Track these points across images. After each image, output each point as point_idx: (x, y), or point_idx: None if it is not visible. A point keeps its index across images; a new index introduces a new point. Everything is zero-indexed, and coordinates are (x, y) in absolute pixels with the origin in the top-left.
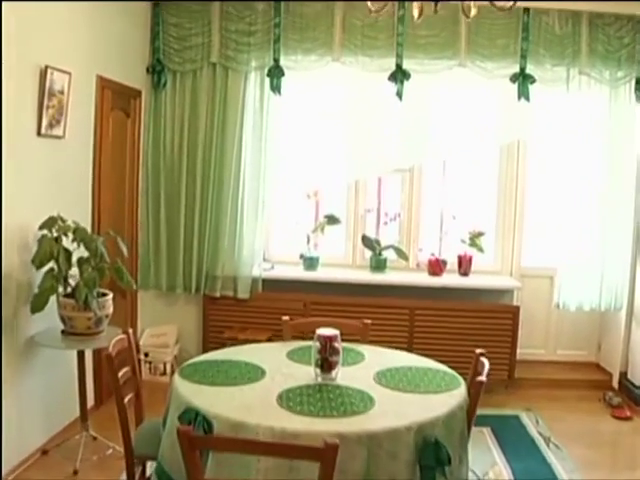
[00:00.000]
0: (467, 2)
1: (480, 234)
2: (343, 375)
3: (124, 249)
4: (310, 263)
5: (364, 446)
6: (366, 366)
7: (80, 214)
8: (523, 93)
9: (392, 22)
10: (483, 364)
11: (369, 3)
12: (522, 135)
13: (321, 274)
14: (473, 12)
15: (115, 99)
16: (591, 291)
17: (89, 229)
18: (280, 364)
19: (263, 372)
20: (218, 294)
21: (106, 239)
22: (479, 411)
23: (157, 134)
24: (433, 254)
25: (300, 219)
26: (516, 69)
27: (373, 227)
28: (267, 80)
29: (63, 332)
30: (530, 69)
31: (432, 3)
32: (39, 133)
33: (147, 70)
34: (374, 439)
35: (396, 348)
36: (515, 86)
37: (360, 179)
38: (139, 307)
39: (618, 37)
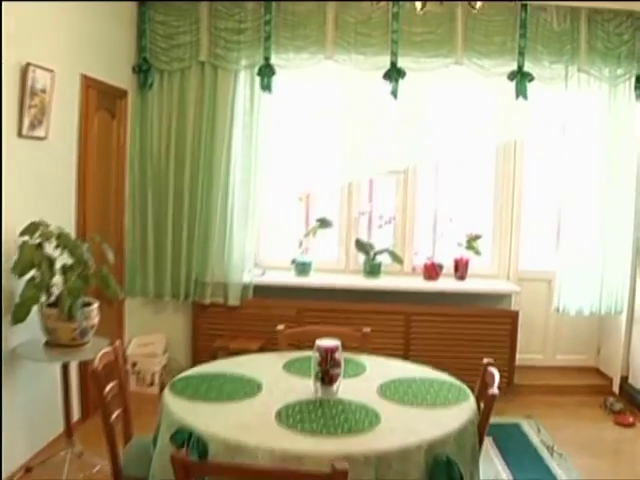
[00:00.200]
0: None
1: (477, 237)
2: (344, 388)
3: (110, 256)
4: (302, 268)
5: (372, 467)
6: (368, 378)
7: (64, 219)
8: (521, 91)
9: (386, 19)
10: (493, 375)
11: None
12: (520, 134)
13: (313, 280)
14: (479, 4)
15: (100, 99)
16: (591, 294)
17: (73, 234)
18: (277, 377)
19: (259, 386)
20: (208, 301)
21: (91, 245)
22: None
23: (144, 135)
24: (429, 258)
25: (292, 223)
26: (514, 67)
27: (367, 230)
28: (257, 79)
29: (47, 344)
30: (528, 67)
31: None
32: (20, 134)
33: (133, 69)
34: (383, 459)
35: (392, 355)
36: (512, 84)
37: (353, 181)
38: (126, 315)
39: (617, 34)
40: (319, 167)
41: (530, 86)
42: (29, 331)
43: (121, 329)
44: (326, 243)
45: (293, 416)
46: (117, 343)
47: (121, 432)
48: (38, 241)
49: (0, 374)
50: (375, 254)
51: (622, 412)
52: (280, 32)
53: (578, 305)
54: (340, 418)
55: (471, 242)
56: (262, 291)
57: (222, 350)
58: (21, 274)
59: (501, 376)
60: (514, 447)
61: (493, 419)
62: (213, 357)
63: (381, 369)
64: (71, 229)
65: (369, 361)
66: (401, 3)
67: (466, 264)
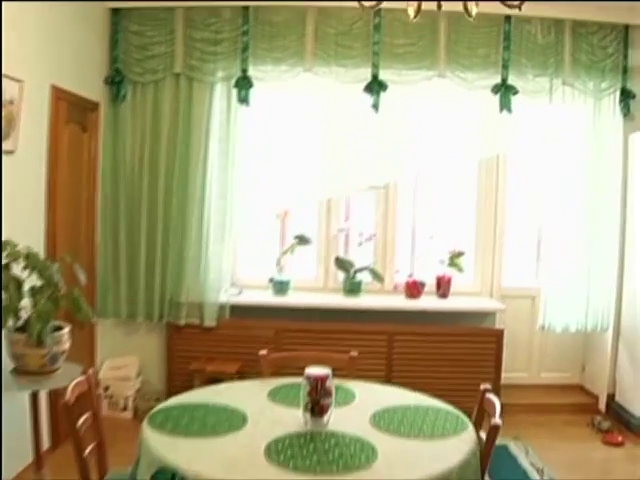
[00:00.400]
0: (470, 1)
1: (460, 253)
2: (335, 418)
3: (82, 277)
4: (280, 287)
5: None
6: (359, 406)
7: (33, 237)
8: (505, 105)
9: (368, 30)
10: (493, 403)
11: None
12: (504, 149)
13: (292, 299)
14: (475, 11)
15: (71, 111)
16: (577, 312)
17: (43, 254)
18: (262, 407)
19: (245, 418)
20: (183, 322)
21: (62, 265)
22: None
23: (116, 150)
24: (410, 275)
25: (269, 240)
26: (497, 80)
27: (348, 247)
28: (234, 92)
29: (14, 370)
30: (512, 80)
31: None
32: None
33: (105, 81)
34: None
35: (374, 377)
36: (496, 98)
37: (333, 197)
38: (97, 337)
39: (602, 47)
40: (297, 183)
41: (514, 99)
42: None
43: (92, 352)
44: (304, 261)
45: (283, 451)
46: (90, 371)
47: (95, 465)
48: (5, 261)
49: None
50: (355, 272)
51: (610, 431)
52: (258, 43)
53: (564, 323)
54: (334, 453)
55: (454, 259)
56: (239, 311)
57: (198, 373)
58: None
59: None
60: (504, 470)
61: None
62: (189, 380)
63: (371, 396)
64: (40, 248)
65: (358, 387)
66: (383, 14)
67: (448, 282)
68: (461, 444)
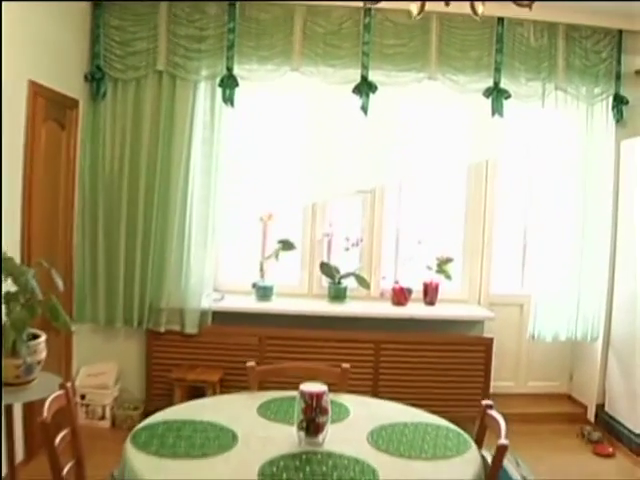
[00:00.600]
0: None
1: (449, 260)
2: (330, 437)
3: (60, 283)
4: (263, 293)
5: None
6: (354, 423)
7: (7, 241)
8: (497, 109)
9: (357, 30)
10: (497, 421)
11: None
12: (494, 153)
13: (276, 305)
14: (481, 9)
15: (49, 109)
16: (567, 320)
17: (18, 259)
18: (253, 424)
19: (235, 436)
20: (163, 329)
21: (38, 271)
22: None
23: (95, 149)
24: (397, 282)
25: (252, 244)
26: (489, 83)
27: (331, 253)
28: (219, 91)
29: None
30: (504, 83)
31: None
32: None
33: (85, 78)
34: None
35: (361, 385)
36: (486, 101)
37: (318, 201)
38: (74, 343)
39: (596, 51)
40: (283, 186)
41: (506, 104)
42: None
43: (69, 359)
44: (288, 266)
45: (278, 475)
46: (68, 385)
47: None
48: None
49: None
50: (340, 278)
51: (600, 442)
52: (244, 41)
53: (554, 332)
54: (333, 477)
55: (442, 265)
56: (221, 317)
57: (179, 381)
58: None
59: (475, 406)
60: None
61: None
62: (169, 389)
63: (366, 411)
64: (15, 252)
65: (352, 403)
66: (373, 13)
67: (436, 288)
68: (465, 465)
